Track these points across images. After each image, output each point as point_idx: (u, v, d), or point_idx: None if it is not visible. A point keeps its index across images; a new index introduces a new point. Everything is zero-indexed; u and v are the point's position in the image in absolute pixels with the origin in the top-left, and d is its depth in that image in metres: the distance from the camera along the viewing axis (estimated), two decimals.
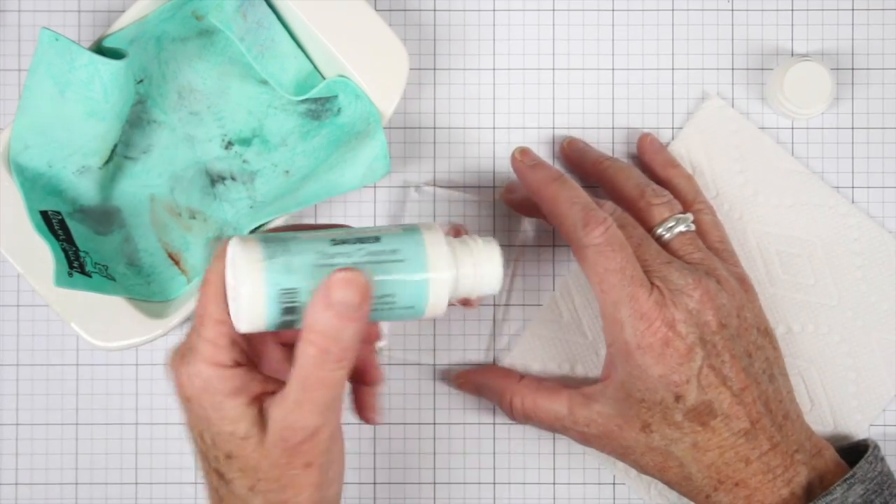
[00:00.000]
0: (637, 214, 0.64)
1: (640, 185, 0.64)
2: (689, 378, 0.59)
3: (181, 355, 0.53)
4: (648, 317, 0.59)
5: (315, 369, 0.51)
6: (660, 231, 0.63)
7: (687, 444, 0.60)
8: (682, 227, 0.63)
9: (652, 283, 0.60)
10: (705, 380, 0.60)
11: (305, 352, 0.51)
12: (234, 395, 0.52)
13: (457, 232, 0.67)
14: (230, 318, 0.52)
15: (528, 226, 0.70)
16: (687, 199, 0.66)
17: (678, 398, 0.60)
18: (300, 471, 0.53)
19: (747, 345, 0.61)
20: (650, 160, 0.68)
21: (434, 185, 0.69)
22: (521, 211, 0.68)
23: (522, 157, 0.64)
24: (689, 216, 0.64)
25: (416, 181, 0.69)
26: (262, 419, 0.53)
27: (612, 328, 0.60)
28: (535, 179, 0.63)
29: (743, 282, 0.64)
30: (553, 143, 0.70)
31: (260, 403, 0.53)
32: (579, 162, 0.68)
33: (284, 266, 0.52)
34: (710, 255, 0.63)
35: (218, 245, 0.54)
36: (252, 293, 0.51)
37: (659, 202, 0.64)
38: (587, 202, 0.61)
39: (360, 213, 0.70)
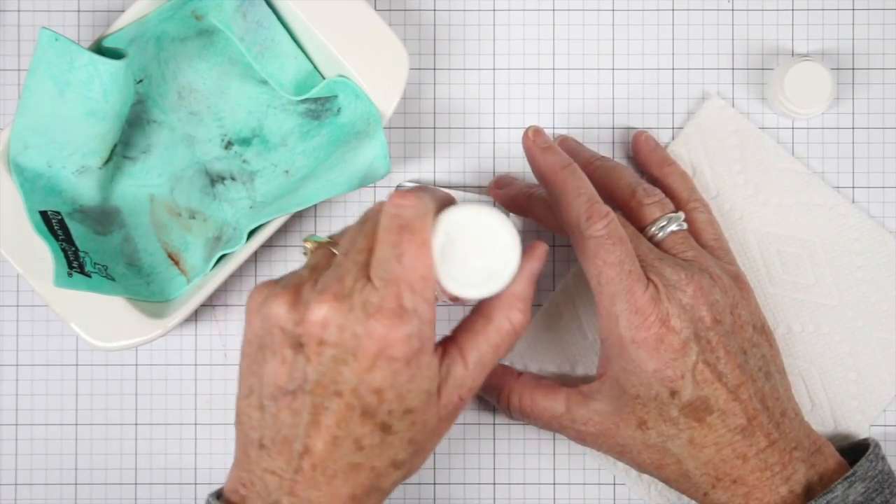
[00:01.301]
0: (629, 214, 0.64)
1: (631, 185, 0.64)
2: (684, 373, 0.59)
3: (396, 315, 0.51)
4: (643, 312, 0.59)
5: (512, 336, 0.55)
6: (652, 230, 0.63)
7: (683, 441, 0.60)
8: (673, 227, 0.63)
9: (648, 279, 0.60)
10: (700, 375, 0.60)
11: (512, 318, 0.54)
12: (436, 353, 0.53)
13: None
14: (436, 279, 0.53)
15: (515, 225, 0.69)
16: (682, 197, 0.66)
17: (673, 393, 0.60)
18: (450, 425, 0.55)
19: (742, 342, 0.61)
20: (645, 158, 0.68)
21: (419, 183, 0.69)
22: (510, 208, 0.68)
23: (535, 137, 0.64)
24: (681, 215, 0.64)
25: (402, 180, 0.69)
26: (439, 376, 0.54)
27: (608, 322, 0.60)
28: (545, 163, 0.63)
29: (738, 279, 0.64)
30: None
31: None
32: None
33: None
34: (704, 253, 0.63)
35: (409, 203, 0.53)
36: (514, 259, 0.54)
37: (650, 202, 0.64)
38: (593, 194, 0.61)
39: (359, 214, 0.69)
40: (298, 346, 0.52)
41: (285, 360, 0.53)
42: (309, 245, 0.56)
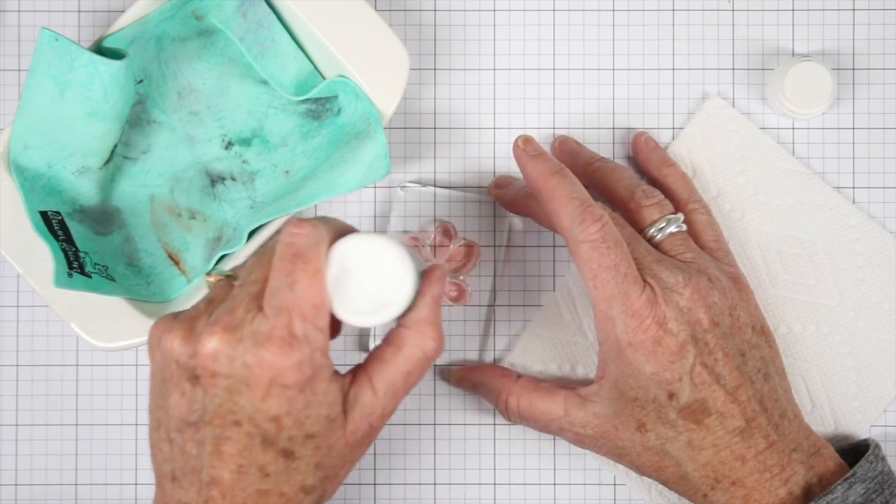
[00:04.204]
0: (628, 216, 0.64)
1: (630, 187, 0.64)
2: (682, 376, 0.59)
3: (286, 343, 0.52)
4: (640, 314, 0.59)
5: (424, 362, 0.55)
6: (651, 232, 0.63)
7: (682, 443, 0.60)
8: (672, 228, 0.63)
9: (644, 281, 0.60)
10: (698, 378, 0.60)
11: (423, 345, 0.54)
12: (333, 379, 0.53)
13: (445, 230, 0.68)
14: (329, 307, 0.53)
15: (515, 225, 0.70)
16: (681, 198, 0.66)
17: (671, 396, 0.60)
18: (362, 451, 0.55)
19: (741, 343, 0.61)
20: (645, 160, 0.68)
21: (419, 183, 0.69)
22: (510, 208, 0.68)
23: (525, 145, 0.64)
24: (680, 216, 0.64)
25: (402, 180, 0.69)
26: (344, 402, 0.54)
27: (605, 325, 0.60)
28: (535, 171, 0.63)
29: (736, 280, 0.64)
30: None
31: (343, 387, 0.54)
32: (570, 162, 0.67)
33: (415, 263, 0.54)
34: (703, 254, 0.63)
35: (303, 232, 0.53)
36: (406, 289, 0.53)
37: (649, 203, 0.64)
38: (585, 198, 0.61)
39: (360, 213, 0.70)
40: (195, 378, 0.53)
41: (184, 392, 0.53)
42: (211, 279, 0.56)
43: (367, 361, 0.55)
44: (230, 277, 0.56)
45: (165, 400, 0.54)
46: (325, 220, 0.54)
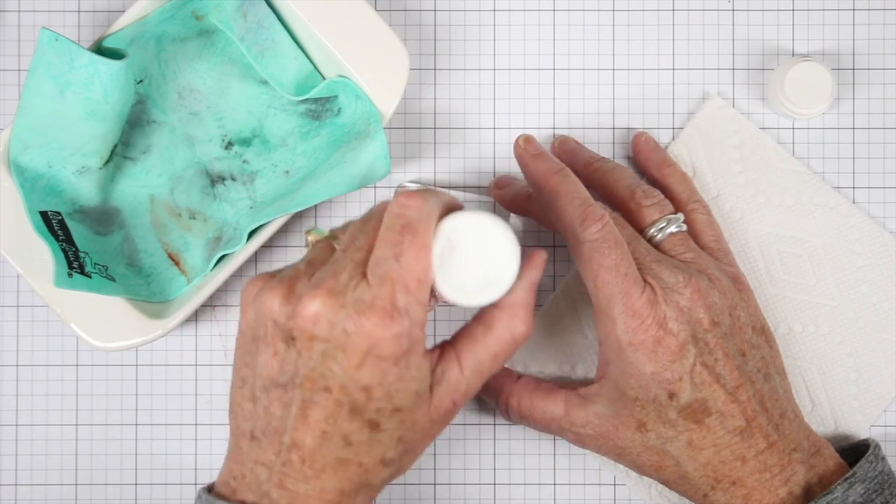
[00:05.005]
0: (628, 216, 0.64)
1: (630, 187, 0.64)
2: (682, 376, 0.59)
3: (387, 314, 0.51)
4: (640, 314, 0.59)
5: (512, 346, 0.55)
6: (651, 232, 0.63)
7: (682, 443, 0.60)
8: (673, 228, 0.63)
9: (645, 281, 0.60)
10: (698, 377, 0.60)
11: (513, 328, 0.54)
12: (426, 355, 0.53)
13: None
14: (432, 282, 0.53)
15: (515, 225, 0.70)
16: (681, 198, 0.66)
17: (671, 396, 0.60)
18: (442, 427, 0.55)
19: (741, 343, 0.61)
20: (645, 159, 0.68)
21: (419, 183, 0.69)
22: (510, 208, 0.68)
23: (526, 145, 0.64)
24: (681, 216, 0.64)
25: (402, 180, 0.69)
26: (431, 377, 0.54)
27: (605, 325, 0.60)
28: (536, 170, 0.63)
29: (737, 280, 0.64)
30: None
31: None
32: (570, 162, 0.67)
33: (520, 245, 0.54)
34: (703, 254, 0.63)
35: (414, 204, 0.53)
36: (511, 271, 0.53)
37: (649, 203, 0.64)
38: (586, 198, 0.61)
39: (360, 214, 0.70)
40: (290, 339, 0.53)
41: (277, 352, 0.53)
42: (311, 238, 0.56)
43: (456, 338, 0.55)
44: (330, 238, 0.55)
45: (254, 358, 0.54)
46: (434, 194, 0.54)
